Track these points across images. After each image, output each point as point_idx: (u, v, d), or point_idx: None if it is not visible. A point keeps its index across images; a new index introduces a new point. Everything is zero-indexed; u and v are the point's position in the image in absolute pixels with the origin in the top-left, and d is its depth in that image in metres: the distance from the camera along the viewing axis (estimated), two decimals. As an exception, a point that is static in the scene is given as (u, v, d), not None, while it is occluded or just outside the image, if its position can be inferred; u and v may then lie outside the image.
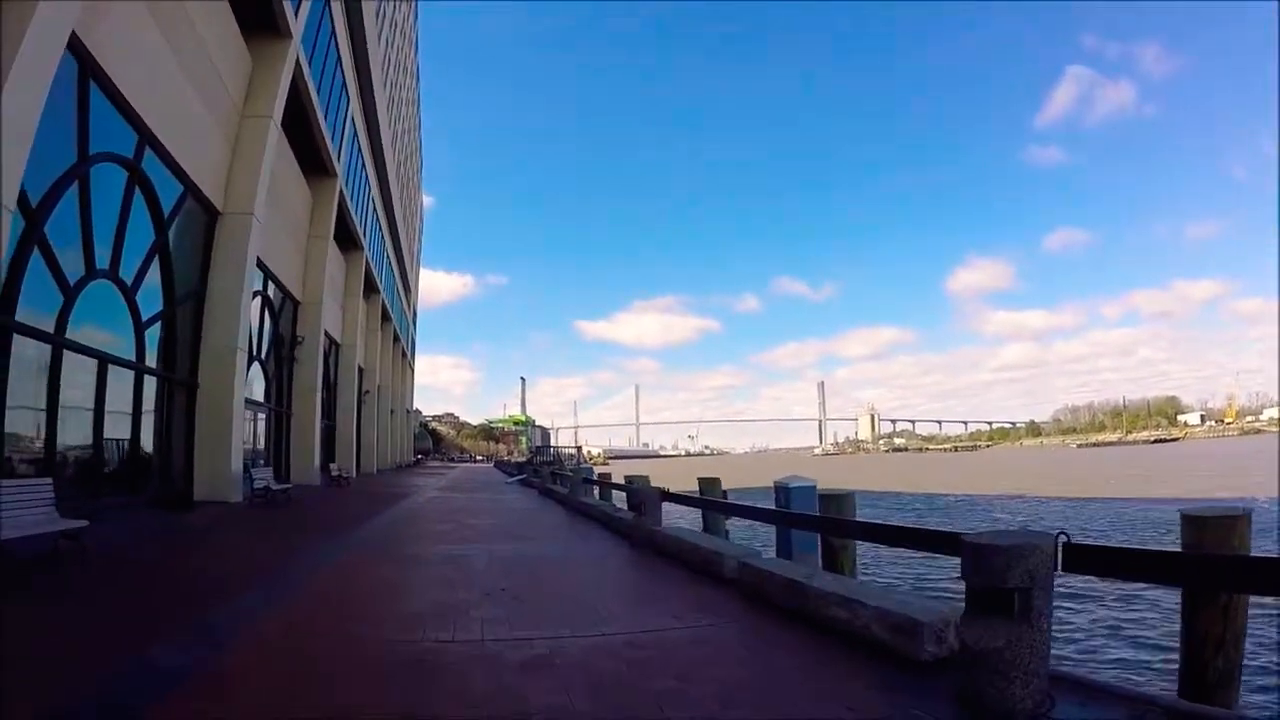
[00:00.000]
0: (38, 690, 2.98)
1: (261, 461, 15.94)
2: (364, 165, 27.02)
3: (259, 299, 16.04)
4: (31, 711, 2.74)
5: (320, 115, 18.41)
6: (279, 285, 17.79)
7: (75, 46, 7.90)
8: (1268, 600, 6.87)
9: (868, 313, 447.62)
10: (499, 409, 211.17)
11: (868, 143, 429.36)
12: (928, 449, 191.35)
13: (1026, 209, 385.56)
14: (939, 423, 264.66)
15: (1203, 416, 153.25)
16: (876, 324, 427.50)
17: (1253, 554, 3.15)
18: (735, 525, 10.52)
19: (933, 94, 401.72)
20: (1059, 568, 2.70)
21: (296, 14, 14.72)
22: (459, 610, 4.73)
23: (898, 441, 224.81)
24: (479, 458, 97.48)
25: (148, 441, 11.09)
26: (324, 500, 15.34)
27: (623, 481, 12.44)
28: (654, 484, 9.41)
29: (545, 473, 21.39)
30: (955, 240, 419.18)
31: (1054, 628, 2.76)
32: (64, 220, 8.46)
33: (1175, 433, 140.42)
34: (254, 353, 15.50)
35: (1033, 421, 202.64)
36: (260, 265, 14.90)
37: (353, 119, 23.36)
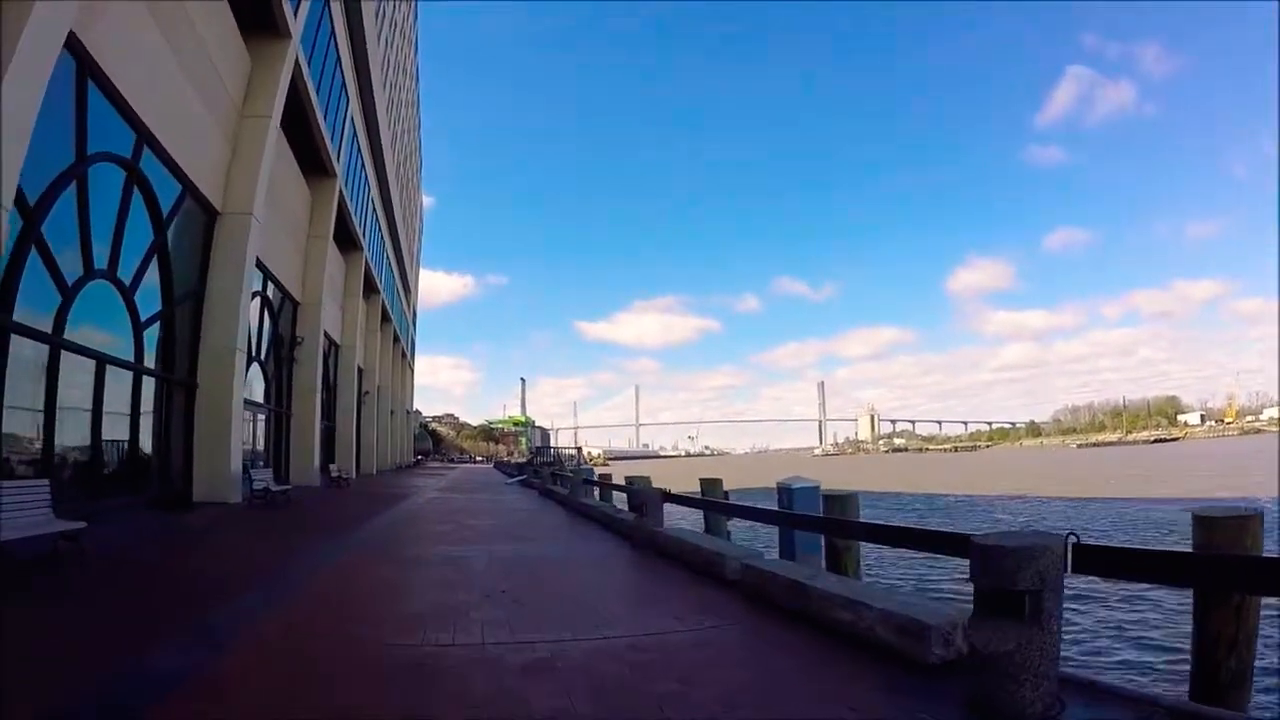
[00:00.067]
0: (38, 691, 2.98)
1: (261, 462, 15.91)
2: (363, 165, 26.99)
3: (258, 299, 16.00)
4: (32, 712, 2.73)
5: (320, 115, 18.37)
6: (278, 286, 17.75)
7: (73, 45, 7.86)
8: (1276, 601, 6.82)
9: (868, 313, 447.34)
10: (499, 410, 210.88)
11: (868, 143, 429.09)
12: (928, 449, 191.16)
13: (1027, 209, 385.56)
14: (939, 423, 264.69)
15: (1203, 416, 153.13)
16: (877, 324, 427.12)
17: (1265, 555, 3.11)
18: (735, 526, 10.47)
19: (933, 94, 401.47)
20: (1069, 569, 2.66)
21: (296, 14, 14.69)
22: (459, 612, 4.70)
23: (898, 442, 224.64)
24: (479, 458, 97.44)
25: (146, 442, 11.05)
26: (324, 501, 15.31)
27: (623, 482, 12.40)
28: (655, 485, 9.38)
29: (545, 473, 21.35)
30: (955, 240, 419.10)
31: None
32: (62, 220, 8.41)
33: (1175, 433, 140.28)
34: (253, 353, 15.46)
35: (1033, 422, 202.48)
36: (259, 265, 14.86)
37: (352, 119, 23.33)
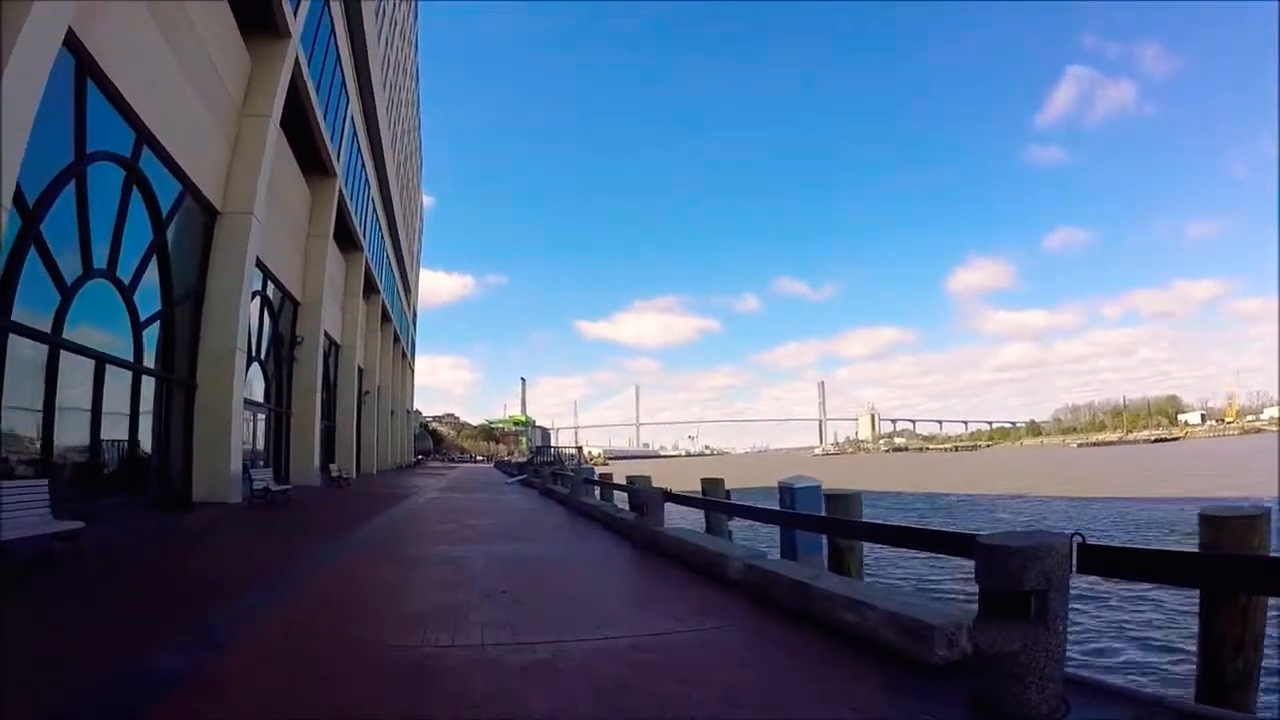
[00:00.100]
0: (38, 691, 2.97)
1: (261, 462, 15.89)
2: (363, 165, 26.98)
3: (258, 299, 15.99)
4: (32, 712, 2.73)
5: (320, 115, 18.36)
6: (278, 285, 17.73)
7: (72, 44, 7.85)
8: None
9: (868, 312, 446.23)
10: (499, 409, 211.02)
11: (868, 143, 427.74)
12: (928, 449, 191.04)
13: (1027, 209, 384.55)
14: (939, 422, 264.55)
15: (1203, 416, 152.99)
16: (877, 324, 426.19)
17: (1273, 554, 3.08)
18: (735, 526, 10.45)
19: (933, 94, 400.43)
20: (1074, 569, 2.63)
21: (295, 13, 14.67)
22: (459, 613, 4.67)
23: (898, 441, 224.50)
24: (479, 458, 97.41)
25: (146, 442, 11.04)
26: (324, 501, 15.28)
27: (624, 482, 12.38)
28: (655, 484, 9.35)
29: (546, 473, 21.32)
30: (955, 240, 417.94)
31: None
32: (61, 219, 8.40)
33: (1176, 432, 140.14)
34: (253, 353, 15.44)
35: (1033, 421, 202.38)
36: (259, 265, 14.84)
37: (352, 119, 23.32)
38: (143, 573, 6.36)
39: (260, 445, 16.97)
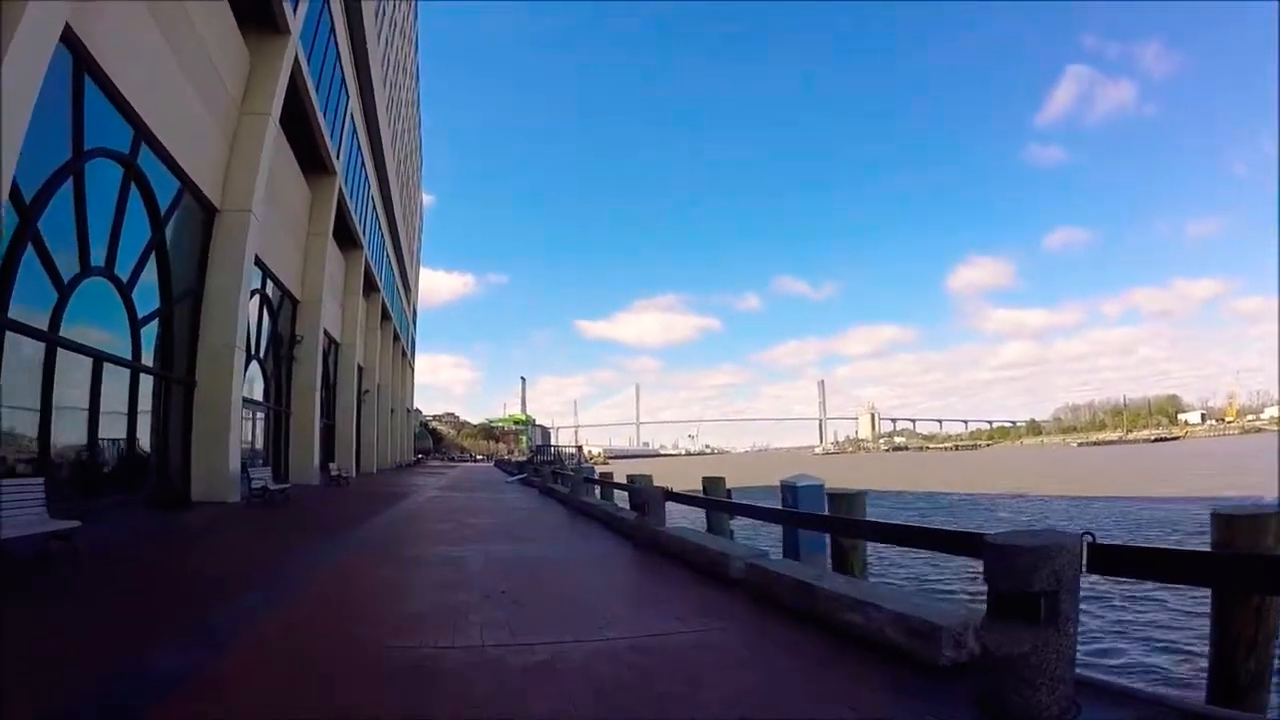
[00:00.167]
0: (38, 691, 2.97)
1: (260, 461, 15.84)
2: (363, 163, 26.92)
3: (257, 297, 15.94)
4: (32, 712, 2.74)
5: (319, 113, 18.30)
6: (278, 283, 17.68)
7: (69, 40, 7.80)
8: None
9: (868, 311, 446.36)
10: (499, 408, 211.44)
11: (868, 143, 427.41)
12: (928, 448, 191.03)
13: (1027, 208, 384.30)
14: (939, 421, 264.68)
15: (1203, 415, 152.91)
16: (877, 322, 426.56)
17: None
18: (737, 525, 10.40)
19: (933, 94, 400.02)
20: (1085, 569, 2.58)
21: (295, 11, 14.62)
22: (459, 613, 4.63)
23: (898, 440, 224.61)
24: (479, 457, 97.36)
25: (144, 441, 11.00)
26: (323, 500, 15.24)
27: (624, 481, 12.33)
28: (656, 483, 9.30)
29: (546, 472, 21.29)
30: (956, 239, 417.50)
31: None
32: (58, 216, 8.36)
33: (1176, 431, 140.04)
34: (252, 351, 15.40)
35: (1033, 420, 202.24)
36: (259, 263, 14.79)
37: (352, 117, 23.26)
38: (141, 572, 6.32)
39: (259, 444, 16.93)
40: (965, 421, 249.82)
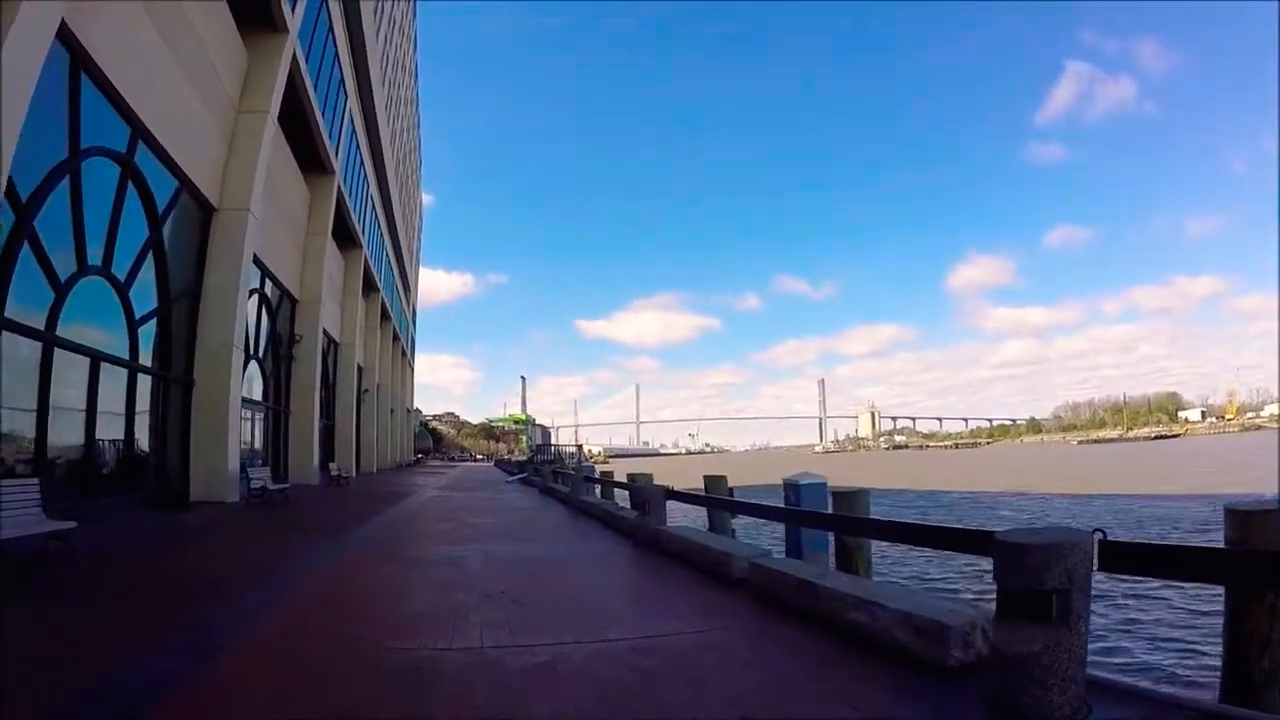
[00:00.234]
0: (38, 691, 2.98)
1: (259, 461, 15.80)
2: (362, 162, 26.87)
3: (256, 296, 15.90)
4: (32, 712, 2.75)
5: (318, 111, 18.24)
6: (276, 283, 17.63)
7: (66, 37, 7.75)
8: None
9: (868, 310, 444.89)
10: (499, 408, 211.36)
11: (868, 143, 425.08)
12: (928, 446, 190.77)
13: (1027, 206, 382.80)
14: (939, 420, 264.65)
15: (1203, 413, 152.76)
16: (877, 321, 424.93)
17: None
18: (738, 524, 10.35)
19: (933, 94, 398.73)
20: (1097, 567, 2.53)
21: (293, 9, 14.58)
22: (459, 614, 4.59)
23: (898, 439, 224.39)
24: (479, 457, 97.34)
25: (142, 441, 10.95)
26: (322, 500, 15.21)
27: (625, 480, 12.28)
28: (656, 482, 9.25)
29: (546, 471, 21.23)
30: (955, 238, 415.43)
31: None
32: (54, 215, 8.31)
33: (1176, 429, 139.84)
34: (251, 351, 15.36)
35: (1033, 418, 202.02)
36: (257, 262, 14.74)
37: (351, 116, 23.19)
38: (139, 572, 6.29)
39: (259, 444, 16.89)
40: (965, 420, 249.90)
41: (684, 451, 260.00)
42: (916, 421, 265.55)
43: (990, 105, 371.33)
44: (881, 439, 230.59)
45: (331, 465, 21.72)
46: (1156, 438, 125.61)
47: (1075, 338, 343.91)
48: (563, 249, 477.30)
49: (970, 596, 8.77)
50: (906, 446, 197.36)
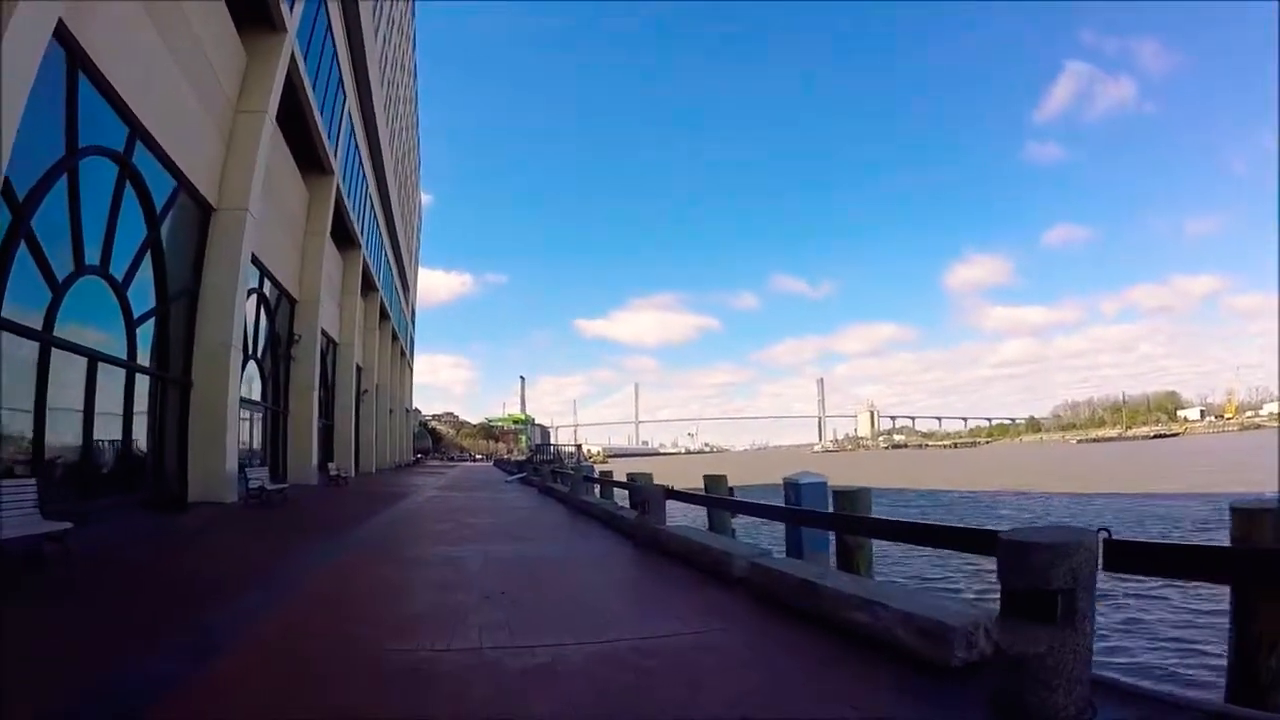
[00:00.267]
0: (38, 691, 2.99)
1: (258, 461, 15.76)
2: (361, 162, 26.82)
3: (254, 296, 15.85)
4: (32, 712, 2.75)
5: (316, 111, 18.20)
6: (275, 283, 17.59)
7: (63, 36, 7.71)
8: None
9: (867, 309, 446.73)
10: (498, 408, 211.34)
11: (868, 143, 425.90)
12: (927, 445, 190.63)
13: (1026, 206, 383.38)
14: (939, 419, 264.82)
15: (1203, 412, 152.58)
16: (875, 320, 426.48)
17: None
18: (737, 523, 10.32)
19: (932, 94, 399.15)
20: (1102, 566, 2.51)
21: (291, 9, 14.54)
22: (457, 614, 4.57)
23: (897, 438, 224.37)
24: (478, 456, 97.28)
25: (140, 441, 10.90)
26: (321, 500, 15.18)
27: (624, 479, 12.26)
28: (656, 482, 9.23)
29: (545, 471, 21.22)
30: (954, 237, 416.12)
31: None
32: (52, 214, 8.26)
33: (1175, 428, 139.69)
34: (250, 351, 15.32)
35: (1033, 417, 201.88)
36: (256, 262, 14.71)
37: (349, 115, 23.15)
38: (137, 573, 6.28)
39: (257, 444, 16.84)
40: (964, 419, 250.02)
41: (683, 451, 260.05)
42: (915, 421, 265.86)
43: (989, 105, 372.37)
44: (880, 438, 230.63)
45: (330, 465, 21.69)
46: (1156, 437, 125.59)
47: (1074, 337, 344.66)
48: (562, 249, 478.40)
49: (971, 596, 8.75)
50: (905, 446, 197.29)
